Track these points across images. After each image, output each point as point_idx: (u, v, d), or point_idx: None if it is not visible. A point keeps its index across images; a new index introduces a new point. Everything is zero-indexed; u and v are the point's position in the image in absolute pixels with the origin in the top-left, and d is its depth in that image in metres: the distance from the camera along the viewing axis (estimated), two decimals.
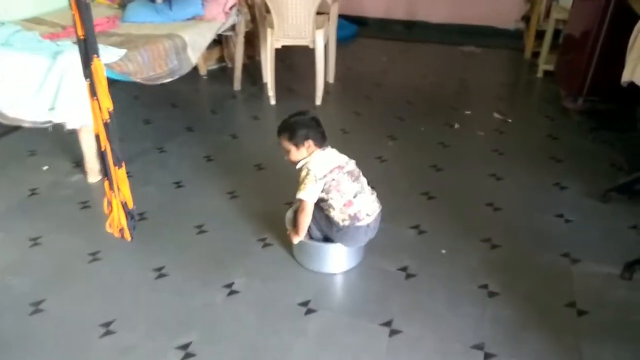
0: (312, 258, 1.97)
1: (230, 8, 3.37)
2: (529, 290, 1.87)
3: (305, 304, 1.82)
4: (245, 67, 3.81)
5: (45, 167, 2.71)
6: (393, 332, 1.70)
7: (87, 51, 1.22)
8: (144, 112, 3.37)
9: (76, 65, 2.31)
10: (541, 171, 2.68)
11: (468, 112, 3.42)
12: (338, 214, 1.86)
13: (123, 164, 1.32)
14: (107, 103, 1.26)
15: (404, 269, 1.99)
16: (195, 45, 3.03)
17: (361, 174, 1.95)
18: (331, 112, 3.50)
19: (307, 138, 1.86)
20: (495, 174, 2.65)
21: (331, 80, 3.90)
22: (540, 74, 4.04)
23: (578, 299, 1.83)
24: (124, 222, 1.36)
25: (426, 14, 5.23)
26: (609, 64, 2.98)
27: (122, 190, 1.31)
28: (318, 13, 3.27)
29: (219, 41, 3.95)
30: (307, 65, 4.03)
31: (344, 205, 1.85)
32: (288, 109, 3.58)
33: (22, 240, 2.15)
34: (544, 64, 4.00)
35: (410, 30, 5.30)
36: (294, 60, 4.29)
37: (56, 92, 2.33)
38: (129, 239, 1.42)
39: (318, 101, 3.53)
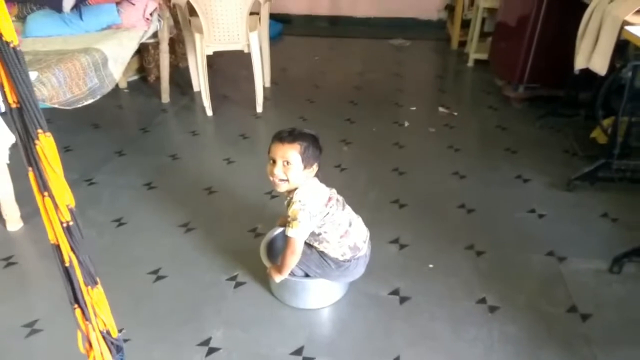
0: (298, 294, 1.75)
1: (151, 14, 3.01)
2: (527, 300, 1.79)
3: (299, 351, 1.61)
4: (169, 76, 3.46)
5: None
6: None
7: (26, 126, 0.73)
8: (62, 138, 2.91)
9: None
10: (500, 165, 2.65)
11: (413, 108, 3.34)
12: (335, 249, 1.65)
13: (98, 280, 0.90)
14: (65, 198, 0.81)
15: (395, 292, 1.83)
16: (117, 59, 2.66)
17: (343, 199, 1.75)
18: (275, 120, 3.26)
19: (317, 160, 1.60)
20: (458, 172, 2.58)
21: (267, 84, 3.66)
22: (470, 64, 4.08)
23: (577, 301, 1.77)
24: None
25: (350, 8, 5.14)
26: (549, 50, 3.02)
27: (100, 315, 0.93)
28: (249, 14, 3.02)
29: (137, 49, 3.55)
30: (238, 68, 3.79)
31: (341, 237, 1.65)
32: (228, 119, 3.36)
33: None
34: (474, 53, 4.04)
35: (335, 26, 5.18)
36: (221, 64, 3.98)
37: None
38: None
39: (259, 108, 3.28)
